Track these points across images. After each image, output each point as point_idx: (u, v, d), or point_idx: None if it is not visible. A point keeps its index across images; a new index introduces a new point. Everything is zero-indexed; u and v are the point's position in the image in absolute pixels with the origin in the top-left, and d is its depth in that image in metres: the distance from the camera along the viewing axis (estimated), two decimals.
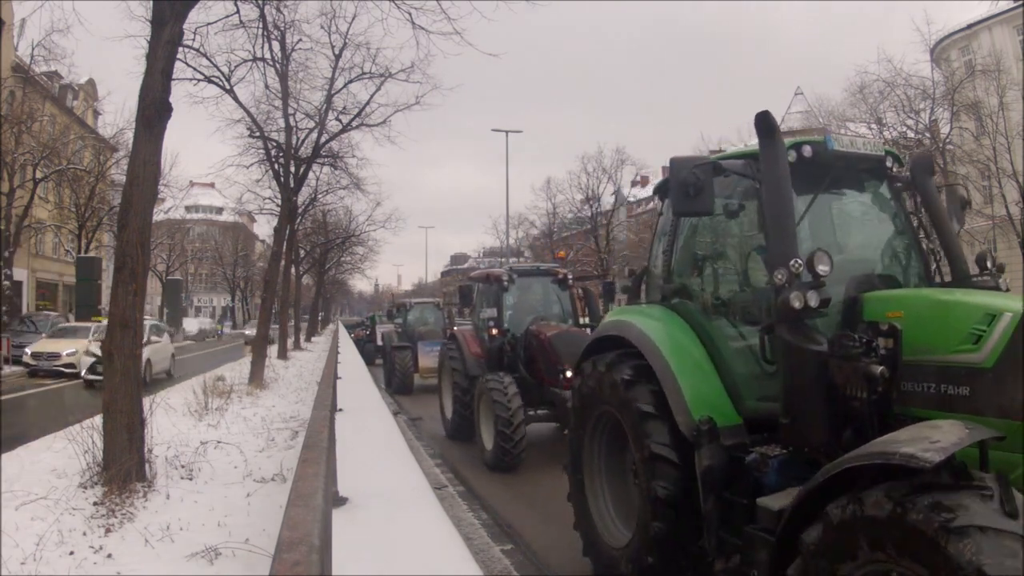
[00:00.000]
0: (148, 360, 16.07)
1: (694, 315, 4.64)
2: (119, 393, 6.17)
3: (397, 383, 18.30)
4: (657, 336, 4.55)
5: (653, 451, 4.20)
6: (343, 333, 33.06)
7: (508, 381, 8.91)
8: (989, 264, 4.20)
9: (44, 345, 19.82)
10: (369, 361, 25.17)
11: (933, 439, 2.60)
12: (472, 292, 11.61)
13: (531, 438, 8.78)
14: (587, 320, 10.82)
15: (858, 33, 76.46)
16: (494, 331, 10.14)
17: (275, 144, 16.70)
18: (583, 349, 5.41)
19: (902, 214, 4.59)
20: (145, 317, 7.04)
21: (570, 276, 11.36)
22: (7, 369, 20.20)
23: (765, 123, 3.85)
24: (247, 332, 42.35)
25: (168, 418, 8.83)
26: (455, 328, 11.95)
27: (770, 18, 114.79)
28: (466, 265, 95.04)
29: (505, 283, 10.49)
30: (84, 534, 4.98)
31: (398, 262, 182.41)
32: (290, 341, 27.55)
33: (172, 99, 6.74)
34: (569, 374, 8.99)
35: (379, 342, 23.97)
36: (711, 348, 4.43)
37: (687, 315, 4.67)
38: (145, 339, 15.17)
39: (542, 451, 9.58)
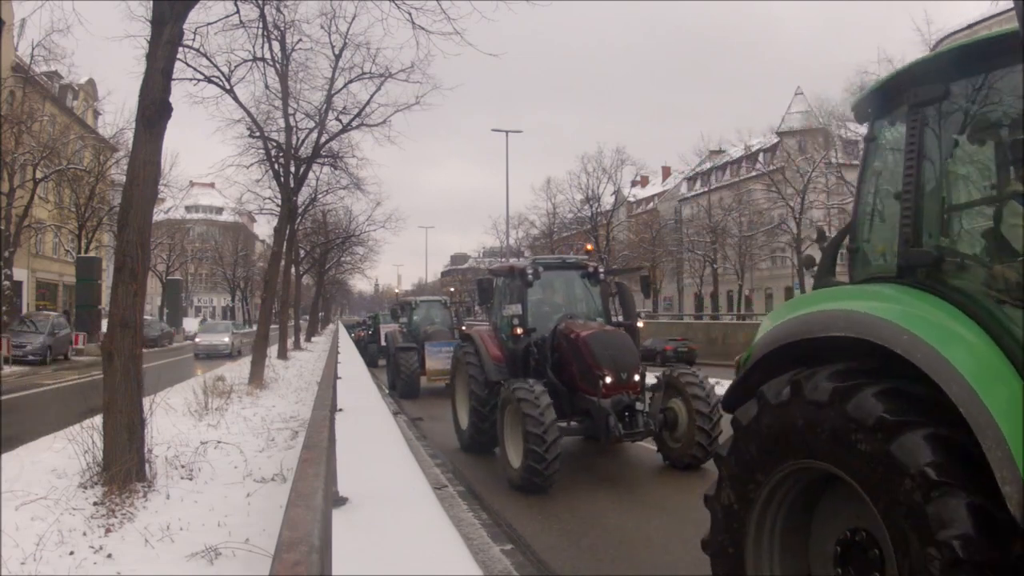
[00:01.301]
0: None
1: (978, 302, 2.83)
2: (119, 393, 6.18)
3: (402, 386, 17.22)
4: (947, 345, 2.66)
5: None
6: (343, 333, 33.02)
7: (539, 390, 7.78)
8: None
9: None
10: (372, 363, 24.87)
11: None
12: (491, 288, 10.37)
13: None
14: (621, 318, 9.89)
15: (858, 33, 76.55)
16: (518, 331, 9.07)
17: (275, 144, 16.74)
18: (759, 355, 3.46)
19: None
20: None
21: (601, 269, 10.29)
22: (7, 369, 20.24)
23: None
24: (199, 340, 31.03)
25: (168, 418, 8.83)
26: (463, 327, 11.36)
27: (770, 18, 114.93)
28: (466, 265, 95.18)
29: (529, 277, 9.29)
30: (84, 534, 4.98)
31: (398, 262, 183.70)
32: (290, 341, 27.56)
33: (172, 99, 6.76)
34: (609, 380, 8.15)
35: (383, 343, 23.47)
36: (1014, 356, 2.66)
37: (962, 302, 2.86)
38: None
39: None
